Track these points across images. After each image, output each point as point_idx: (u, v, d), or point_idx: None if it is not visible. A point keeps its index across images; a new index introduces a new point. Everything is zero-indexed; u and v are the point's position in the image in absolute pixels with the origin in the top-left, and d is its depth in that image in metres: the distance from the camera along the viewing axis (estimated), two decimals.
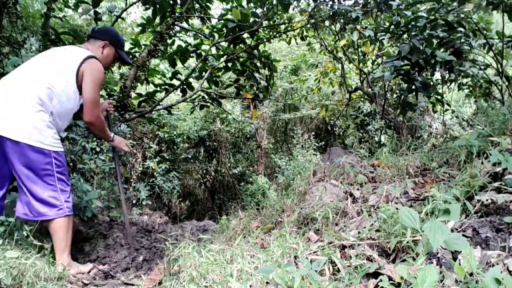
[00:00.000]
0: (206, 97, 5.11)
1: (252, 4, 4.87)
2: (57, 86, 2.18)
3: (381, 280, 1.24)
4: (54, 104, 2.18)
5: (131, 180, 6.58)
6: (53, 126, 2.19)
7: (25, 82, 2.12)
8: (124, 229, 3.21)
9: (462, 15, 3.65)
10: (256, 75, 5.07)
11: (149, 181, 7.17)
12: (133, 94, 4.43)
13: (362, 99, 8.07)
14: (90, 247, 2.90)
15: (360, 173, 2.53)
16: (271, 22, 5.20)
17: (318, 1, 4.96)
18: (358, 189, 2.29)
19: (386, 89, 5.20)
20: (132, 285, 2.00)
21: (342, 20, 4.69)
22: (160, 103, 4.69)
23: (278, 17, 5.28)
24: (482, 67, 4.28)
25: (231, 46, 4.94)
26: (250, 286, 1.43)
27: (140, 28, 4.89)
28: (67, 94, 2.23)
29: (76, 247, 2.87)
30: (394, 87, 5.78)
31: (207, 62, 4.94)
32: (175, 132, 8.15)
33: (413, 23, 3.68)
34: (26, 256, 1.91)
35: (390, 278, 1.26)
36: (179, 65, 5.20)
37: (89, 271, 2.33)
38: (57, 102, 2.19)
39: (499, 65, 3.94)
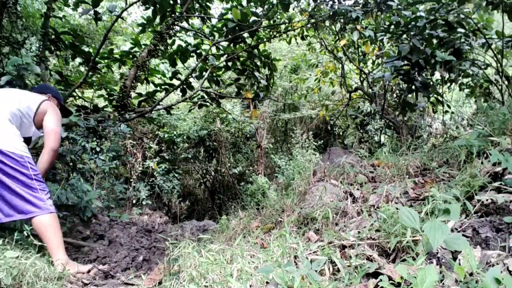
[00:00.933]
0: (206, 96, 5.11)
1: (252, 4, 4.87)
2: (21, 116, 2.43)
3: (381, 280, 1.24)
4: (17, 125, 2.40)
5: (131, 180, 6.58)
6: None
7: None
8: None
9: (462, 15, 3.65)
10: (257, 74, 5.07)
11: (149, 181, 7.17)
12: (133, 94, 4.43)
13: (362, 99, 8.07)
14: (90, 247, 2.90)
15: (360, 173, 2.53)
16: (271, 22, 5.20)
17: (318, 1, 4.96)
18: (358, 189, 2.29)
19: (386, 89, 5.20)
20: (132, 285, 2.00)
21: (342, 20, 4.69)
22: (160, 103, 4.69)
23: (279, 16, 5.28)
24: (482, 67, 4.28)
25: (231, 45, 4.94)
26: (250, 286, 1.43)
27: (140, 28, 4.89)
28: (27, 124, 2.46)
29: (76, 247, 2.87)
30: (394, 87, 5.77)
31: (207, 61, 4.94)
32: (175, 132, 8.15)
33: (413, 23, 3.68)
34: (26, 256, 1.91)
35: (390, 278, 1.26)
36: (179, 64, 5.21)
37: (89, 271, 2.34)
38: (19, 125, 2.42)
39: (499, 65, 3.94)
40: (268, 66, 5.19)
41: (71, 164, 3.55)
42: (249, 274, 1.49)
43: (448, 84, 4.88)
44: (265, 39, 5.28)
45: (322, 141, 9.80)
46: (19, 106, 2.43)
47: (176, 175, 7.63)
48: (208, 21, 5.12)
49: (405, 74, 3.86)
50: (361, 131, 9.40)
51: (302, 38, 5.98)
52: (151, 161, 7.19)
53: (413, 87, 3.92)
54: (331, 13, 4.59)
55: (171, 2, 4.41)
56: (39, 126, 2.52)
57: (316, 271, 1.34)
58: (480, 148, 2.14)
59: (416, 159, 2.50)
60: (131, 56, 4.70)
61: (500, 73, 3.91)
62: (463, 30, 3.69)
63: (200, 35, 5.12)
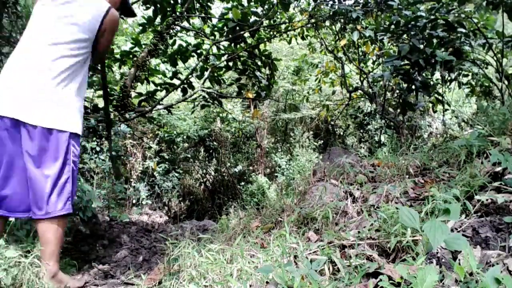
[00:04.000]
0: (207, 96, 5.11)
1: (252, 4, 4.87)
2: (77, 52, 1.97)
3: (381, 280, 1.24)
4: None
5: (131, 180, 6.58)
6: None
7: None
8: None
9: (463, 15, 3.65)
10: (258, 73, 5.07)
11: (149, 180, 7.17)
12: (133, 94, 4.43)
13: (362, 99, 8.07)
14: (90, 247, 2.91)
15: (360, 173, 2.53)
16: (272, 22, 5.20)
17: (319, 0, 4.96)
18: (358, 189, 2.29)
19: (386, 89, 5.20)
20: (132, 284, 2.00)
21: (342, 20, 4.69)
22: (161, 102, 4.69)
23: (279, 16, 5.28)
24: (482, 66, 4.29)
25: (232, 45, 4.94)
26: (250, 286, 1.43)
27: (140, 27, 4.89)
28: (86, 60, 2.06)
29: (76, 247, 2.88)
30: (394, 87, 5.77)
31: (208, 61, 4.94)
32: (175, 132, 8.15)
33: (413, 22, 3.68)
34: (26, 255, 1.91)
35: (390, 278, 1.26)
36: (180, 64, 5.20)
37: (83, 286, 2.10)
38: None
39: (499, 65, 3.94)
40: (269, 66, 5.19)
41: None
42: (249, 273, 1.49)
43: (448, 83, 4.88)
44: (265, 39, 5.28)
45: (322, 141, 9.80)
46: (78, 32, 1.91)
47: (176, 175, 7.63)
48: (208, 20, 5.12)
49: (405, 74, 3.86)
50: (361, 131, 9.40)
51: (303, 38, 5.98)
52: (151, 161, 7.20)
53: (413, 86, 3.92)
54: (331, 13, 4.59)
55: (172, 1, 4.41)
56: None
57: (316, 270, 1.34)
58: (480, 148, 2.14)
59: (416, 159, 2.49)
60: (131, 56, 4.70)
61: (500, 73, 3.91)
62: (463, 30, 3.68)
63: (200, 34, 5.12)
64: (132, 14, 2.55)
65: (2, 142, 1.86)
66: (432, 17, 3.61)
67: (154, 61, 5.08)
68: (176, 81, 5.06)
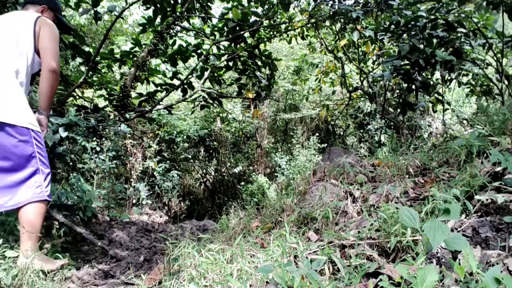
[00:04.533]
0: (207, 96, 5.11)
1: (252, 3, 4.87)
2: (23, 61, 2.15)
3: (381, 280, 1.24)
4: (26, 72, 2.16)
5: (131, 179, 6.58)
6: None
7: None
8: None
9: (463, 15, 3.65)
10: (258, 73, 5.07)
11: (149, 180, 7.17)
12: (133, 94, 4.43)
13: (362, 98, 8.07)
14: (90, 247, 2.90)
15: (360, 172, 2.53)
16: (272, 22, 5.20)
17: (319, 0, 4.96)
18: (358, 189, 2.29)
19: (386, 89, 5.20)
20: (132, 284, 2.00)
21: (342, 20, 4.69)
22: (161, 102, 4.69)
23: (279, 16, 5.28)
24: (482, 66, 4.29)
25: (232, 45, 4.94)
26: (250, 286, 1.43)
27: (141, 27, 4.89)
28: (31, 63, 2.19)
29: (76, 247, 2.88)
30: (394, 86, 5.78)
31: (208, 61, 4.95)
32: (175, 132, 8.15)
33: (413, 22, 3.68)
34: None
35: (390, 278, 1.26)
36: (180, 64, 5.20)
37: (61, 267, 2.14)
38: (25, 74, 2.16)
39: (499, 65, 3.94)
40: (269, 66, 5.19)
41: (71, 164, 3.56)
42: (249, 273, 1.49)
43: (448, 83, 4.88)
44: (265, 39, 5.28)
45: (323, 141, 9.80)
46: (18, 44, 2.11)
47: (176, 174, 7.63)
48: (209, 20, 5.12)
49: (405, 74, 3.86)
50: (361, 130, 9.40)
51: (303, 38, 5.98)
52: (151, 160, 7.20)
53: (413, 86, 3.92)
54: (331, 13, 4.60)
55: (172, 1, 4.41)
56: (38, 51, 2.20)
57: (316, 270, 1.34)
58: (480, 148, 2.14)
59: (416, 159, 2.49)
60: (131, 56, 4.70)
61: (500, 73, 3.92)
62: (463, 30, 3.69)
63: (200, 34, 5.12)
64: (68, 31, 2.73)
65: None
66: (432, 17, 3.61)
67: (154, 61, 5.09)
68: (176, 81, 5.06)
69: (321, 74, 7.11)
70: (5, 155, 2.00)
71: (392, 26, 4.00)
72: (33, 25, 2.18)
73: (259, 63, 5.13)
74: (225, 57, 4.98)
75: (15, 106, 2.04)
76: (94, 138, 3.60)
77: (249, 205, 3.24)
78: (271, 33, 5.41)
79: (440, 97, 4.65)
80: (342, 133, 10.53)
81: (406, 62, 3.74)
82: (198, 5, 4.84)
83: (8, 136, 1.99)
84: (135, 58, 4.47)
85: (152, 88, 4.90)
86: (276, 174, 9.22)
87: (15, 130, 2.01)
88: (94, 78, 4.69)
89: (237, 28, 4.62)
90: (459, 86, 5.26)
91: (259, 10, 4.85)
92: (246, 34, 4.82)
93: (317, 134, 9.66)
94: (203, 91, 4.96)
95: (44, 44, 2.18)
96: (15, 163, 2.02)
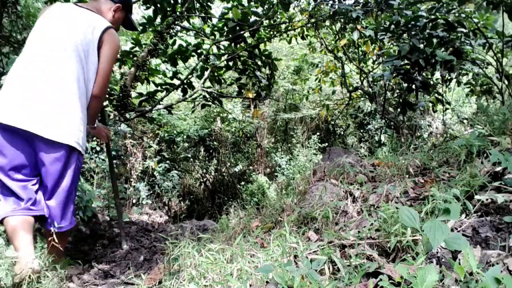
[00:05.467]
0: (207, 96, 5.11)
1: (252, 3, 4.87)
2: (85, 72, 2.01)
3: (381, 280, 1.24)
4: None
5: (131, 179, 6.58)
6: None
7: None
8: (123, 228, 3.21)
9: (463, 15, 3.65)
10: (258, 73, 5.07)
11: (149, 180, 7.17)
12: (133, 94, 4.43)
13: (362, 98, 8.07)
14: (90, 247, 2.91)
15: (360, 172, 2.53)
16: (272, 22, 5.20)
17: (319, 0, 4.96)
18: (358, 189, 2.29)
19: (386, 89, 5.20)
20: (132, 284, 2.01)
21: (342, 20, 4.69)
22: (161, 102, 4.69)
23: (279, 16, 5.27)
24: (482, 66, 4.28)
25: (232, 45, 4.93)
26: (250, 286, 1.43)
27: (140, 27, 4.88)
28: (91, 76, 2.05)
29: (76, 247, 2.88)
30: (394, 86, 5.77)
31: (208, 61, 4.94)
32: (175, 132, 8.15)
33: (413, 22, 3.68)
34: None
35: (390, 278, 1.26)
36: (180, 64, 5.20)
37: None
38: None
39: (499, 65, 3.94)
40: (269, 66, 5.19)
41: None
42: (249, 273, 1.49)
43: (448, 83, 4.88)
44: (265, 39, 5.27)
45: (323, 141, 9.80)
46: (80, 51, 1.94)
47: (176, 174, 7.63)
48: (209, 20, 5.11)
49: (405, 74, 3.86)
50: (361, 130, 9.40)
51: (303, 38, 5.98)
52: (151, 160, 7.20)
53: (413, 86, 3.92)
54: (331, 13, 4.59)
55: (172, 1, 4.41)
56: None
57: (316, 270, 1.34)
58: (480, 148, 2.14)
59: (416, 159, 2.49)
60: (131, 55, 4.70)
61: (500, 73, 3.91)
62: (463, 30, 3.69)
63: (200, 34, 5.11)
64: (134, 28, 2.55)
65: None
66: (432, 17, 3.61)
67: (154, 61, 5.08)
68: (176, 81, 5.06)
69: (321, 74, 7.11)
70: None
71: (392, 26, 3.99)
72: (98, 37, 2.01)
73: (259, 63, 5.13)
74: (225, 57, 4.97)
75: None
76: (94, 138, 3.60)
77: (249, 205, 3.24)
78: (271, 33, 5.41)
79: (440, 97, 4.65)
80: (342, 133, 10.53)
81: (406, 62, 3.74)
82: (198, 5, 4.83)
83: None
84: (135, 58, 4.46)
85: (152, 88, 4.90)
86: (276, 174, 9.23)
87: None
88: None
89: (237, 28, 4.61)
90: (458, 86, 5.26)
91: (259, 10, 4.84)
92: (246, 34, 4.82)
93: (317, 134, 9.66)
94: (203, 90, 4.96)
95: (103, 67, 2.05)
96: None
